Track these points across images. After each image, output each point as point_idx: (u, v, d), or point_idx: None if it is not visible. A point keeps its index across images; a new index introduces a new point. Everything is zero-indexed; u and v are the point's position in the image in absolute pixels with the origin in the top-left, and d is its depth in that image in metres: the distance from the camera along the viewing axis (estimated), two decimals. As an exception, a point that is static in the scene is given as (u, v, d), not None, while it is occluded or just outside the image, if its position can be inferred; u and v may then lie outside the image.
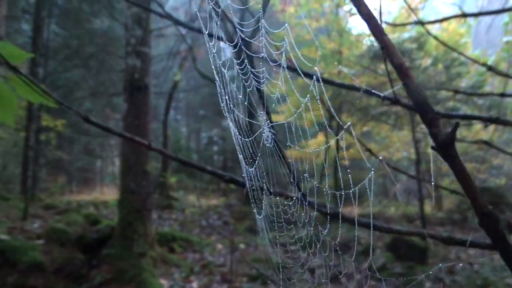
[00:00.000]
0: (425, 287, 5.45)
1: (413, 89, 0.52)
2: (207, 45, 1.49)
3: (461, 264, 6.91)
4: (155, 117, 15.42)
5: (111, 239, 6.66)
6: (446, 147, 0.47)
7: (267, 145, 1.88)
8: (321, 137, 13.91)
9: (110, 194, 14.12)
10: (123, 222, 6.51)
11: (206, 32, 1.44)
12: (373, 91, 1.46)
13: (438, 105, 11.03)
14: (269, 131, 1.85)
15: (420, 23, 2.30)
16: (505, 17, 8.38)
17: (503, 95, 2.62)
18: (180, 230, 9.03)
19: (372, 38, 10.87)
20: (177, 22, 2.18)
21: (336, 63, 10.34)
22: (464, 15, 2.41)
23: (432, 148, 0.52)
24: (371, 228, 1.22)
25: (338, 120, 1.24)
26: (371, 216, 1.22)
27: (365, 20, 0.58)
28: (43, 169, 14.34)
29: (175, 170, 17.46)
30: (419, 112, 0.53)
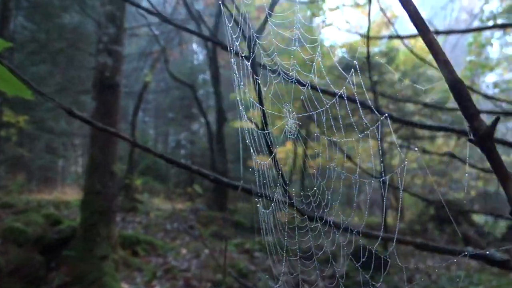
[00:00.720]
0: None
1: (455, 82, 0.55)
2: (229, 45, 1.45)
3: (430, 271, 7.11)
4: (123, 117, 15.13)
5: (73, 240, 6.46)
6: (485, 140, 0.53)
7: (290, 136, 1.88)
8: (289, 145, 14.05)
9: (72, 194, 13.69)
10: (85, 223, 6.32)
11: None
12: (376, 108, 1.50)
13: (405, 117, 11.34)
14: (294, 122, 1.86)
15: (398, 37, 2.38)
16: (469, 37, 8.76)
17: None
18: (144, 234, 8.87)
19: (344, 50, 11.11)
20: (165, 20, 2.15)
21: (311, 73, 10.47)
22: (436, 32, 2.51)
23: (470, 141, 0.57)
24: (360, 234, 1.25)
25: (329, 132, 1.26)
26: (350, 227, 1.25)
27: (410, 17, 0.62)
28: (2, 166, 13.78)
29: (141, 173, 17.17)
30: (460, 107, 0.56)
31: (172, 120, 23.41)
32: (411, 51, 2.44)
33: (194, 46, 24.80)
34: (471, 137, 0.56)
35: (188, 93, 18.58)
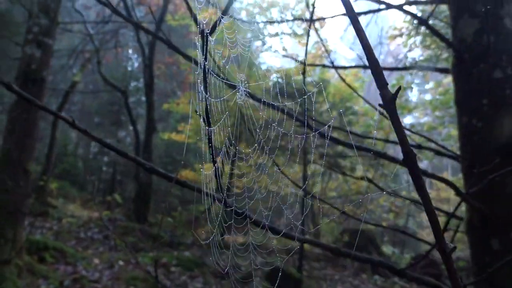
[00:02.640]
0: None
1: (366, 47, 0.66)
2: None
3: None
4: (44, 115, 14.20)
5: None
6: (390, 103, 0.69)
7: (239, 102, 1.94)
8: (218, 161, 14.03)
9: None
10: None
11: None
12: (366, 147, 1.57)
13: (329, 147, 11.91)
14: (244, 90, 1.92)
15: (332, 66, 2.54)
16: (393, 79, 9.50)
17: (387, 141, 2.97)
18: (55, 240, 8.28)
19: (279, 75, 11.49)
20: (114, 11, 2.09)
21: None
22: (365, 67, 2.72)
23: (380, 105, 0.70)
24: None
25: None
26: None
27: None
28: None
29: (57, 176, 16.14)
30: (375, 78, 0.67)
31: (98, 125, 22.39)
32: (343, 80, 2.62)
33: (130, 51, 24.16)
34: (381, 103, 0.71)
35: (118, 99, 17.95)
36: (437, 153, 2.74)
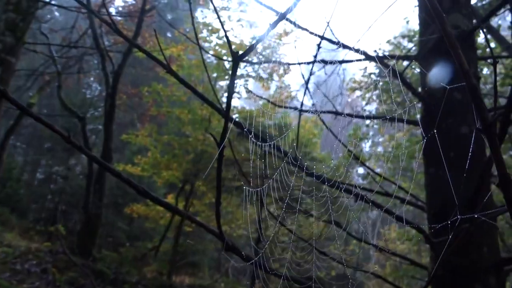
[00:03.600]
0: None
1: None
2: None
3: None
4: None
5: None
6: (491, 127, 0.69)
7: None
8: (170, 199, 13.72)
9: None
10: None
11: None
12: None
13: (286, 191, 11.94)
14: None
15: (296, 108, 2.60)
16: (350, 129, 9.84)
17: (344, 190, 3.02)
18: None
19: (242, 115, 11.62)
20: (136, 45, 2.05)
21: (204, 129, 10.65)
22: (336, 113, 2.81)
23: (478, 129, 0.72)
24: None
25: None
26: None
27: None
28: None
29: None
30: (474, 105, 0.68)
31: (48, 150, 21.45)
32: (298, 129, 2.69)
33: (91, 79, 23.77)
34: (478, 127, 0.73)
35: (73, 125, 17.39)
36: (404, 201, 2.82)
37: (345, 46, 2.48)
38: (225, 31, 1.56)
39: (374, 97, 8.30)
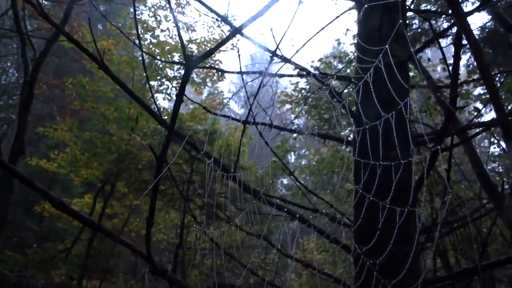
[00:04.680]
0: None
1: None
2: None
3: None
4: None
5: None
6: None
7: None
8: (87, 199, 12.98)
9: None
10: None
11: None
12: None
13: (210, 198, 11.86)
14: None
15: (229, 117, 2.58)
16: (278, 141, 10.05)
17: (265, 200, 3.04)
18: None
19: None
20: None
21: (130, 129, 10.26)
22: (266, 124, 2.82)
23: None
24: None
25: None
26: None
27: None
28: None
29: None
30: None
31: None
32: (240, 140, 2.68)
33: (8, 64, 21.88)
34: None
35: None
36: (333, 219, 2.88)
37: (284, 59, 2.52)
38: (179, 33, 1.49)
39: (303, 112, 8.56)
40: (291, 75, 4.37)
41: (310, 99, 8.20)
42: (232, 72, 3.63)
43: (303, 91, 8.58)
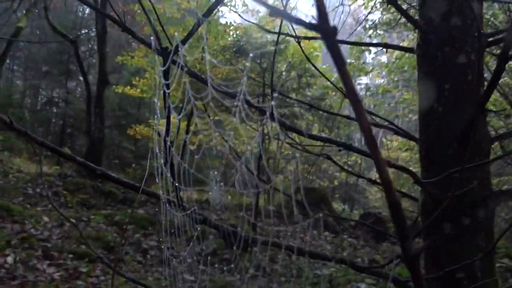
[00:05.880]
0: (249, 272, 5.87)
1: (393, 202, 0.56)
2: None
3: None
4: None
5: None
6: (413, 259, 0.61)
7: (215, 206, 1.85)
8: (173, 119, 13.74)
9: None
10: None
11: None
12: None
13: (286, 108, 11.95)
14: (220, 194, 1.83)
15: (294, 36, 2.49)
16: (352, 38, 9.51)
17: (336, 114, 2.99)
18: (0, 197, 7.90)
19: (239, 32, 11.21)
20: None
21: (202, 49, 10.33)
22: (342, 42, 2.67)
23: (399, 257, 0.63)
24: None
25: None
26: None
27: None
28: None
29: (3, 128, 15.26)
30: (395, 225, 0.59)
31: (46, 74, 21.11)
32: (302, 50, 2.58)
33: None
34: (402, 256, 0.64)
35: (68, 47, 16.93)
36: (398, 134, 2.77)
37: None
38: None
39: (377, 6, 7.87)
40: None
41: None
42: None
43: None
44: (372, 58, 14.01)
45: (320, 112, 11.44)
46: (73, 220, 7.31)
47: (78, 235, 6.56)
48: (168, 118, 1.60)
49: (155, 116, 1.63)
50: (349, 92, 0.51)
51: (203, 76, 1.90)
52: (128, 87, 12.71)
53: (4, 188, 8.67)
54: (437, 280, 2.06)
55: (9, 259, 5.52)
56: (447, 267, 1.89)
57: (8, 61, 19.76)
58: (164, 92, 1.57)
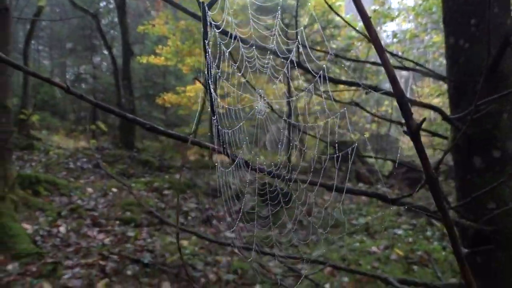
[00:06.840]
0: (286, 227, 6.05)
1: (400, 96, 0.63)
2: None
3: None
4: (13, 46, 13.47)
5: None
6: (416, 133, 0.68)
7: (259, 116, 1.98)
8: (199, 84, 13.81)
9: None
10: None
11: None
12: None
13: (312, 63, 11.76)
14: (264, 105, 1.93)
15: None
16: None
17: (364, 62, 2.94)
18: (45, 173, 8.35)
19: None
20: None
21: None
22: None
23: (404, 132, 0.72)
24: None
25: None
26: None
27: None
28: None
29: (38, 108, 15.82)
30: (398, 103, 0.66)
31: (71, 51, 21.43)
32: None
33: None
34: (405, 130, 0.70)
35: (89, 22, 17.05)
36: (425, 74, 2.72)
37: None
38: None
39: None
40: None
41: None
42: None
43: None
44: (398, 3, 13.42)
45: (348, 63, 11.21)
46: (115, 190, 7.63)
47: (122, 203, 6.90)
48: (208, 81, 1.65)
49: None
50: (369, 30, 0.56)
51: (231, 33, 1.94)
52: (152, 56, 12.79)
53: (47, 165, 9.12)
54: (470, 212, 2.09)
55: (62, 229, 5.91)
56: (479, 200, 1.91)
57: (33, 42, 20.12)
58: (204, 45, 1.60)
